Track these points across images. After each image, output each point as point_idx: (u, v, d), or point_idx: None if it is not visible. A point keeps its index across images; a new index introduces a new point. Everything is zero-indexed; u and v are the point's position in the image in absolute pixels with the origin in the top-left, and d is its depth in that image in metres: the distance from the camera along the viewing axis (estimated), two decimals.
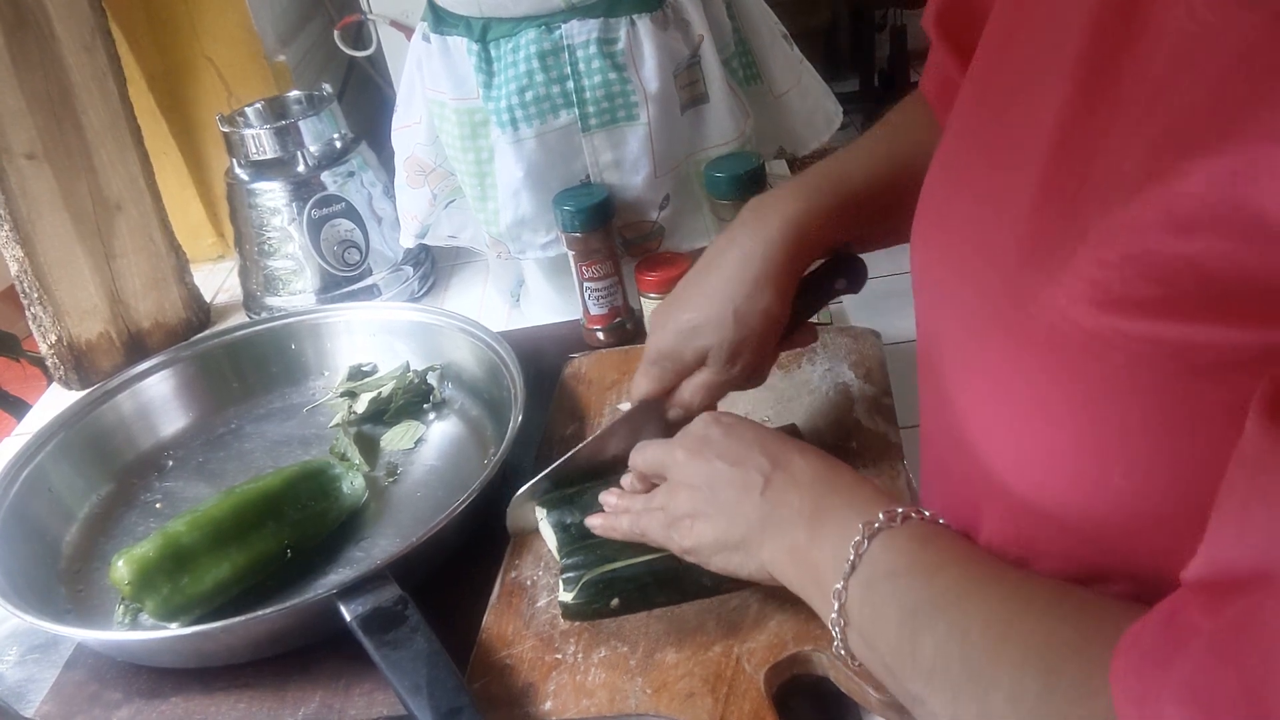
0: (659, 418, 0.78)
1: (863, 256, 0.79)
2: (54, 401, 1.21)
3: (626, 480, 0.75)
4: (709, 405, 0.77)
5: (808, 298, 0.78)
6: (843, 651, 0.57)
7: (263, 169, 1.23)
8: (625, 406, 0.95)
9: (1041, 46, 0.49)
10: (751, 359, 0.74)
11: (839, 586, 0.55)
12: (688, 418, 0.75)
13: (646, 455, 0.72)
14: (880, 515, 0.55)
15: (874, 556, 0.54)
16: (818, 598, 0.58)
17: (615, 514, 0.72)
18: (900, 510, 0.56)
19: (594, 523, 0.73)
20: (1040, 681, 0.44)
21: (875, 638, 0.53)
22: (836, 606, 0.55)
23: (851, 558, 0.54)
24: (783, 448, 0.65)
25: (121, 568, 0.77)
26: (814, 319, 0.82)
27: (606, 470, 0.79)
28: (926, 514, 0.56)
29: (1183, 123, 0.37)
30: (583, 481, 0.79)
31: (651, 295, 1.04)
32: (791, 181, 0.76)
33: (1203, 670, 0.35)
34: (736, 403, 0.91)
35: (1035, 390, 0.45)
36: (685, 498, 0.66)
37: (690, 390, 0.76)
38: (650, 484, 0.73)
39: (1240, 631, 0.34)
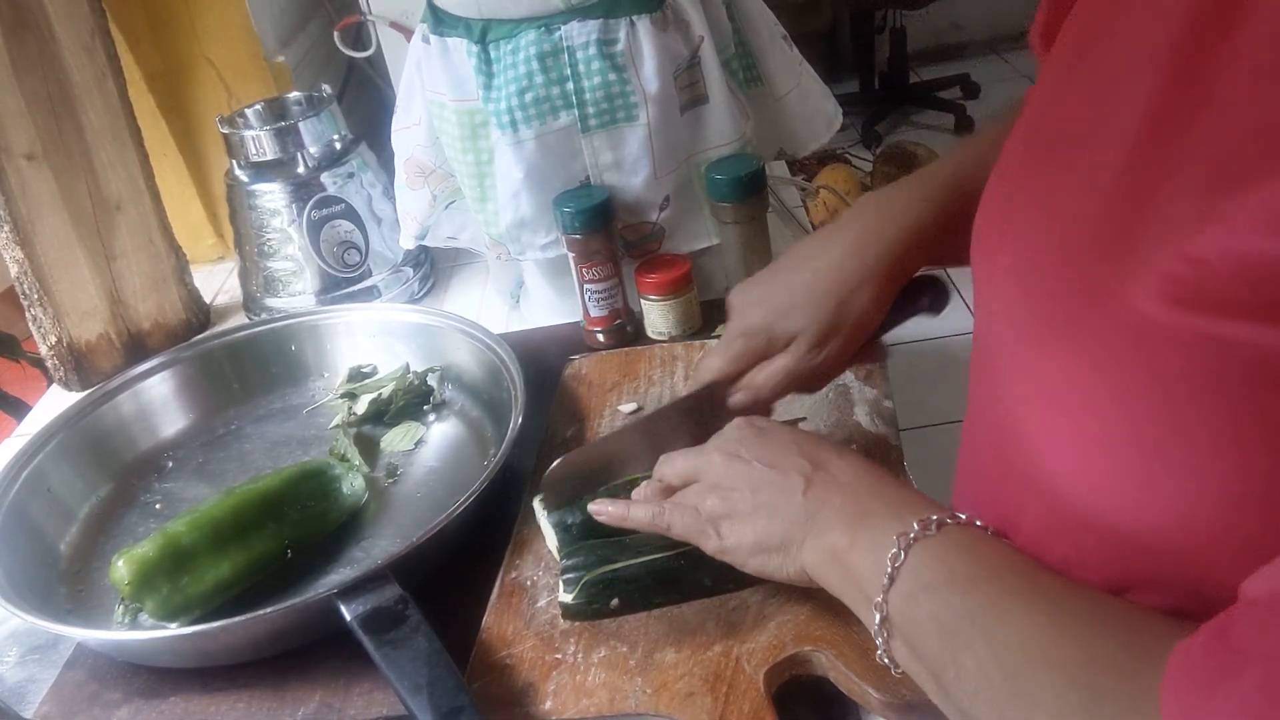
0: (719, 404, 0.75)
1: None
2: (54, 402, 1.21)
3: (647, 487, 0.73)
4: (779, 395, 0.75)
5: (892, 312, 0.75)
6: (885, 660, 0.56)
7: (263, 170, 1.24)
8: (626, 408, 0.95)
9: (1131, 33, 0.47)
10: (833, 355, 0.73)
11: (879, 599, 0.54)
12: (751, 405, 0.74)
13: (676, 466, 0.69)
14: (915, 525, 0.54)
15: (912, 569, 0.54)
16: (860, 603, 0.57)
17: (629, 504, 0.70)
18: (935, 518, 0.55)
19: (598, 509, 0.70)
20: (1084, 701, 0.43)
21: (919, 651, 0.53)
22: (879, 618, 0.54)
23: (889, 570, 0.54)
24: (820, 449, 0.64)
25: (121, 567, 0.77)
26: None
27: (629, 467, 0.77)
28: (963, 518, 0.55)
29: None
30: (602, 475, 0.76)
31: (652, 297, 1.04)
32: (920, 180, 0.73)
33: (1255, 698, 0.35)
34: None
35: (1104, 383, 0.43)
36: (721, 499, 0.65)
37: (765, 374, 0.74)
38: (674, 492, 0.71)
39: None
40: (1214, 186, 0.39)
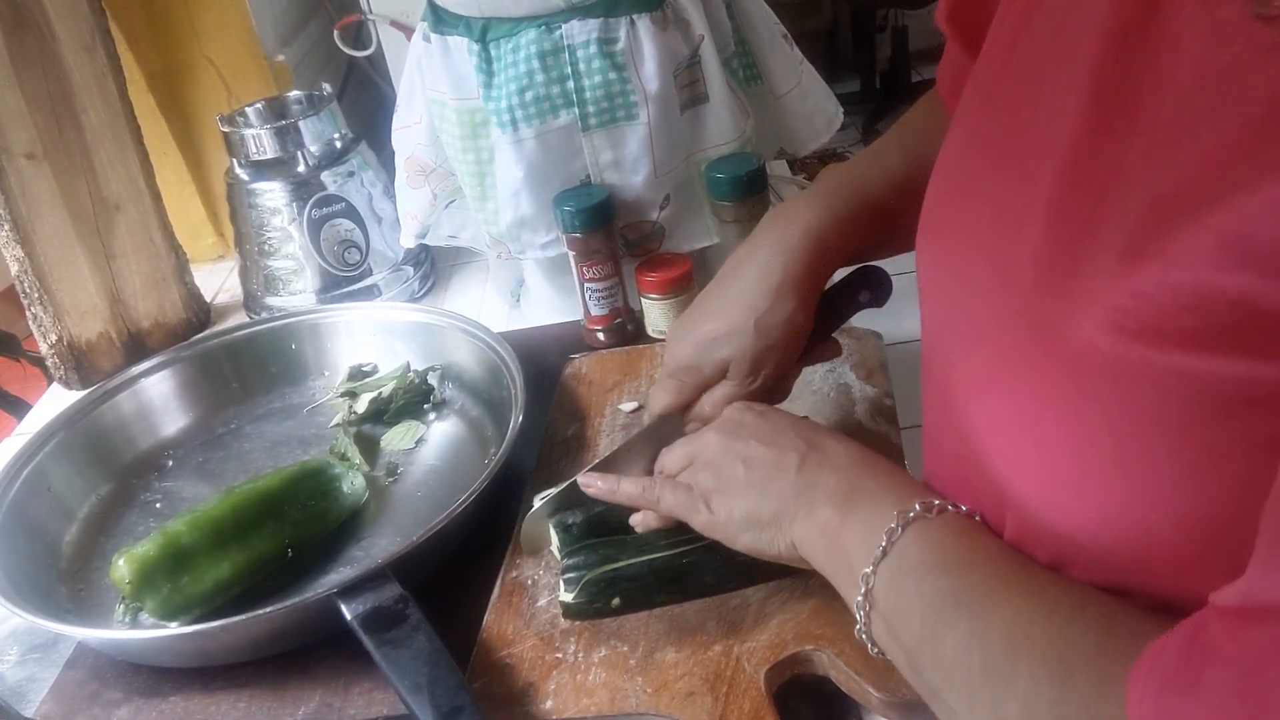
0: (678, 432, 0.76)
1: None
2: (54, 401, 1.21)
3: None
4: None
5: (831, 311, 0.77)
6: (864, 636, 0.56)
7: (263, 169, 1.23)
8: (626, 407, 0.95)
9: (1052, 55, 0.47)
10: (774, 371, 0.73)
11: (868, 571, 0.54)
12: None
13: (675, 455, 0.70)
14: (917, 505, 0.55)
15: (906, 545, 0.54)
16: (844, 579, 0.57)
17: (619, 478, 0.70)
18: (937, 502, 0.55)
19: (587, 481, 0.70)
20: (1055, 689, 0.44)
21: (899, 627, 0.53)
22: (863, 590, 0.54)
23: (884, 544, 0.54)
24: (818, 432, 0.65)
25: (122, 567, 0.77)
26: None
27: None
28: (964, 508, 0.55)
29: (1219, 150, 0.36)
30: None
31: (652, 296, 1.04)
32: (810, 189, 0.75)
33: (1220, 700, 0.35)
34: None
35: (1058, 416, 0.44)
36: (714, 474, 0.65)
37: (711, 403, 0.74)
38: None
39: (1263, 663, 0.34)
40: (1152, 220, 0.39)
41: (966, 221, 0.54)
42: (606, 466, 0.75)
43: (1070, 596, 0.47)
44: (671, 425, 0.75)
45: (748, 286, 0.72)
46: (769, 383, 0.74)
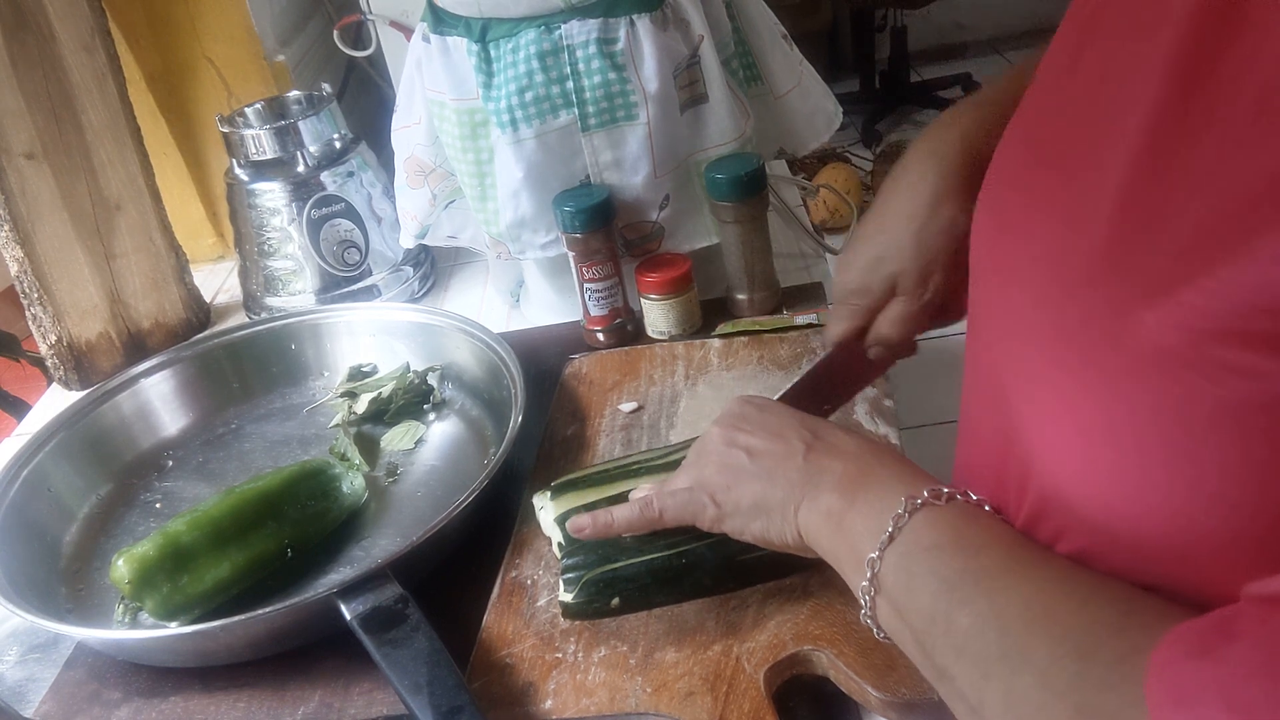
0: (858, 358, 0.76)
1: None
2: (54, 402, 1.21)
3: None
4: (909, 337, 0.75)
5: None
6: (869, 621, 0.56)
7: (262, 169, 1.23)
8: (626, 407, 0.95)
9: (1124, 45, 0.46)
10: (943, 280, 0.72)
11: (874, 555, 0.54)
12: (889, 355, 0.75)
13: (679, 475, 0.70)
14: (925, 491, 0.54)
15: (914, 529, 0.53)
16: (849, 564, 0.57)
17: (611, 510, 0.70)
18: (946, 490, 0.55)
19: (578, 526, 0.70)
20: (1075, 664, 0.43)
21: (907, 609, 0.52)
22: (869, 575, 0.54)
23: (890, 529, 0.53)
24: (822, 424, 0.65)
25: (122, 567, 0.77)
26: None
27: None
28: (974, 497, 0.55)
29: None
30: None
31: (652, 296, 1.04)
32: (961, 101, 0.75)
33: (1244, 673, 0.35)
34: None
35: (1114, 414, 0.43)
36: (720, 467, 0.65)
37: (888, 323, 0.74)
38: None
39: None
40: (1229, 215, 0.38)
41: (1025, 212, 0.52)
42: (791, 399, 0.75)
43: (1090, 578, 0.47)
44: (850, 353, 0.75)
45: (904, 200, 0.72)
46: (939, 295, 0.73)
